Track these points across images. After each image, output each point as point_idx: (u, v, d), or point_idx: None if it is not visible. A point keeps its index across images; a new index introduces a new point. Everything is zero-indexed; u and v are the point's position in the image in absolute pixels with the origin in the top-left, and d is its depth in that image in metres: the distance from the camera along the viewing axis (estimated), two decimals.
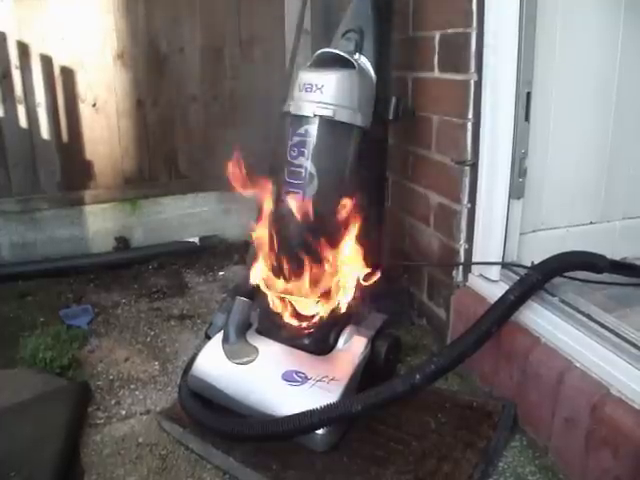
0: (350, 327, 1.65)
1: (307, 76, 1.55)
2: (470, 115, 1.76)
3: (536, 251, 1.76)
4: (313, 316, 1.61)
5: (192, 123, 2.83)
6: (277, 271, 1.59)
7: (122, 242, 2.78)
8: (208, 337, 1.80)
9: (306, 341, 1.62)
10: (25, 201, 2.61)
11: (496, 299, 1.56)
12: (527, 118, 1.70)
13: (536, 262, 1.64)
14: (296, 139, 1.54)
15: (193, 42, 2.73)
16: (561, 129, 1.81)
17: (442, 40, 1.85)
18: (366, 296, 1.65)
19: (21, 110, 2.52)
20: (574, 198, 1.93)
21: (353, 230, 1.55)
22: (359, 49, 1.62)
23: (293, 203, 1.53)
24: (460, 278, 1.92)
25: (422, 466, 1.40)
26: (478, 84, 1.73)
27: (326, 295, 1.58)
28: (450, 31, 1.80)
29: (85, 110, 2.63)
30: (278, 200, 1.59)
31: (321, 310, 1.59)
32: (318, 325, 1.61)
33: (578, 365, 1.40)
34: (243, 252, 2.65)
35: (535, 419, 1.52)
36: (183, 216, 2.89)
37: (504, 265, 1.77)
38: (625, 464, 1.22)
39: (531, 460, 1.48)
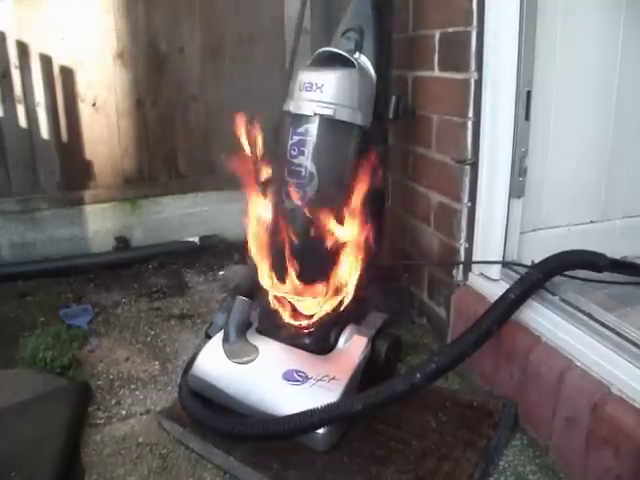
0: (350, 326, 1.65)
1: (307, 75, 1.55)
2: (470, 114, 1.76)
3: (536, 250, 1.76)
4: (313, 315, 1.61)
5: (192, 123, 2.83)
6: (277, 270, 1.59)
7: (122, 242, 2.78)
8: (208, 337, 1.80)
9: (306, 340, 1.61)
10: (25, 201, 2.61)
11: (496, 298, 1.56)
12: (527, 117, 1.70)
13: (536, 261, 1.65)
14: (296, 138, 1.54)
15: (193, 42, 2.73)
16: (561, 128, 1.81)
17: (442, 39, 1.85)
18: (366, 295, 1.65)
19: (21, 110, 2.52)
20: (574, 197, 1.93)
21: (354, 229, 1.56)
22: (359, 48, 1.62)
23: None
24: (460, 277, 1.92)
25: (422, 465, 1.40)
26: (478, 83, 1.72)
27: (327, 294, 1.58)
28: (450, 30, 1.80)
29: (85, 110, 2.63)
30: (278, 200, 1.59)
31: (321, 309, 1.59)
32: (318, 324, 1.61)
33: (579, 364, 1.40)
34: (243, 251, 2.64)
35: (536, 418, 1.52)
36: (183, 216, 2.89)
37: (504, 264, 1.77)
38: (626, 463, 1.22)
39: (532, 459, 1.47)
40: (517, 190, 1.75)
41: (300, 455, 1.43)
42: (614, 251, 1.85)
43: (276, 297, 1.62)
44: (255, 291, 1.70)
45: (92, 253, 2.73)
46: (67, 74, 2.56)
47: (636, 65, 1.84)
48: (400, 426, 1.54)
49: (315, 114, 1.49)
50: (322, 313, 1.59)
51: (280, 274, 1.59)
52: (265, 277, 1.62)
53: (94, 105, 2.64)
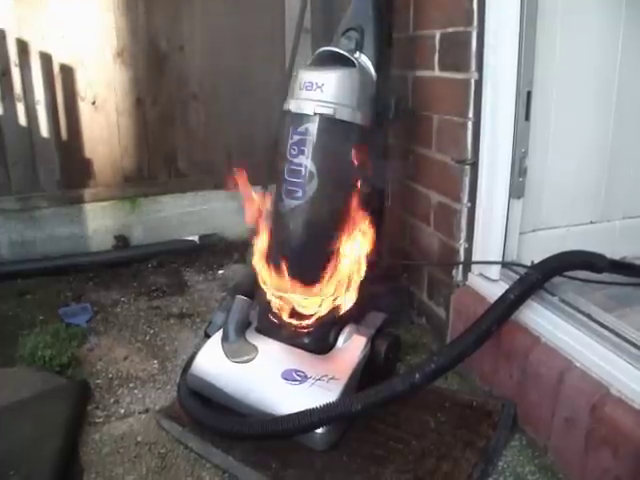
0: (350, 326, 1.65)
1: (307, 75, 1.55)
2: (470, 114, 1.76)
3: (536, 250, 1.76)
4: (313, 315, 1.61)
5: (192, 122, 2.83)
6: (277, 270, 1.59)
7: (121, 240, 2.78)
8: (207, 336, 1.79)
9: (306, 340, 1.61)
10: (24, 199, 2.61)
11: (496, 298, 1.56)
12: (527, 117, 1.70)
13: (536, 261, 1.64)
14: (296, 138, 1.53)
15: (193, 40, 2.73)
16: (561, 128, 1.81)
17: (443, 39, 1.85)
18: (366, 295, 1.65)
19: (20, 108, 2.51)
20: (574, 198, 1.93)
21: (354, 229, 1.56)
22: (359, 48, 1.62)
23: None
24: (460, 277, 1.92)
25: (421, 465, 1.40)
26: (479, 83, 1.72)
27: (327, 294, 1.58)
28: (451, 30, 1.80)
29: (85, 108, 2.63)
30: (278, 199, 1.59)
31: (321, 309, 1.59)
32: (318, 324, 1.61)
33: (578, 365, 1.40)
34: (243, 250, 2.65)
35: (535, 418, 1.52)
36: (183, 214, 2.89)
37: (504, 264, 1.77)
38: (625, 464, 1.22)
39: (530, 459, 1.48)
40: (517, 190, 1.75)
41: (299, 454, 1.43)
42: (614, 252, 1.85)
43: (275, 296, 1.62)
44: (254, 290, 1.70)
45: (92, 252, 2.73)
46: (67, 72, 2.56)
47: (636, 65, 1.84)
48: (399, 426, 1.54)
49: (315, 113, 1.49)
50: (322, 313, 1.59)
51: (279, 273, 1.59)
52: (264, 276, 1.62)
53: (94, 104, 2.64)
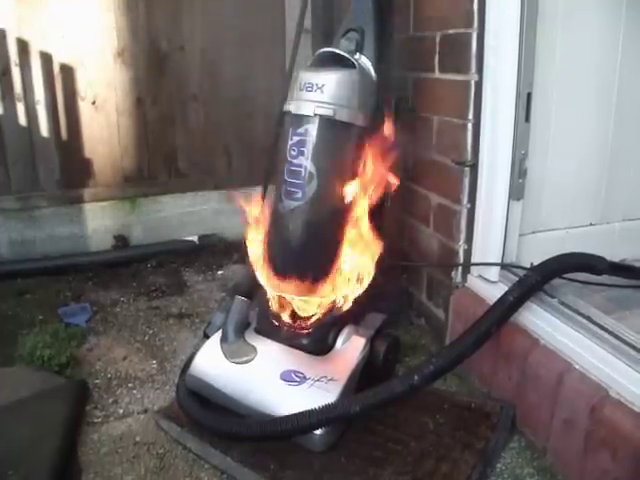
0: (349, 327, 1.65)
1: (307, 75, 1.55)
2: (470, 116, 1.76)
3: (535, 252, 1.76)
4: (312, 316, 1.61)
5: (192, 122, 2.83)
6: (277, 271, 1.59)
7: (121, 240, 2.78)
8: (207, 336, 1.79)
9: (305, 341, 1.61)
10: (24, 199, 2.60)
11: (495, 300, 1.56)
12: (527, 119, 1.70)
13: (535, 263, 1.64)
14: (296, 138, 1.53)
15: (193, 41, 2.73)
16: (561, 130, 1.81)
17: (443, 40, 1.85)
18: (365, 295, 1.65)
19: (20, 108, 2.51)
20: (574, 199, 1.92)
21: (355, 229, 1.56)
22: (360, 49, 1.62)
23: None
24: (459, 279, 1.92)
25: (420, 467, 1.40)
26: (479, 85, 1.72)
27: (327, 295, 1.58)
28: (451, 31, 1.80)
29: (85, 108, 2.63)
30: (277, 200, 1.59)
31: (320, 310, 1.59)
32: (317, 325, 1.61)
33: (577, 367, 1.40)
34: (242, 251, 2.64)
35: (534, 420, 1.52)
36: (182, 215, 2.88)
37: (503, 266, 1.77)
38: (624, 466, 1.22)
39: (529, 461, 1.47)
40: (517, 192, 1.75)
41: (297, 456, 1.43)
42: (613, 254, 1.85)
43: (275, 297, 1.62)
44: (254, 291, 1.70)
45: (91, 251, 2.73)
46: (67, 72, 2.56)
47: (637, 66, 1.84)
48: (398, 427, 1.54)
49: (315, 114, 1.49)
50: (321, 314, 1.59)
51: (279, 274, 1.59)
52: (264, 277, 1.62)
53: (94, 103, 2.64)
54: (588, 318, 1.48)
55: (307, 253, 1.57)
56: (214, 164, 2.90)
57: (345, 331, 1.63)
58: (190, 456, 1.50)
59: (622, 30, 1.79)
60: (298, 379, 1.49)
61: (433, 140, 1.96)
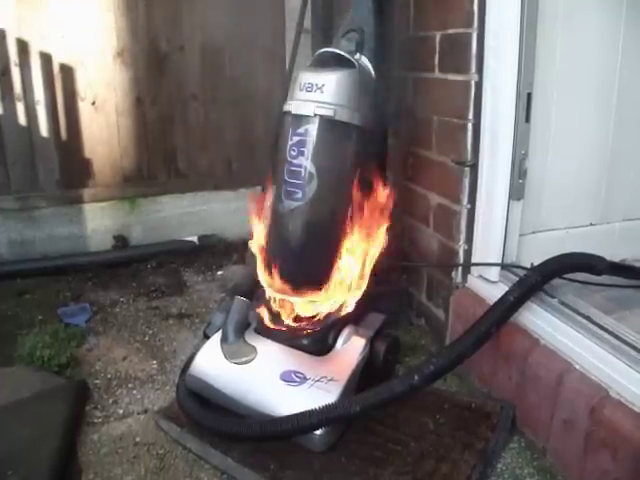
0: (349, 327, 1.65)
1: (307, 76, 1.55)
2: (470, 116, 1.76)
3: (536, 252, 1.76)
4: (312, 316, 1.61)
5: (191, 122, 2.83)
6: (277, 271, 1.59)
7: (121, 240, 2.78)
8: (206, 336, 1.79)
9: (305, 341, 1.61)
10: (24, 199, 2.60)
11: (495, 300, 1.56)
12: (527, 119, 1.69)
13: (536, 263, 1.64)
14: (296, 139, 1.53)
15: (193, 41, 2.73)
16: (562, 130, 1.81)
17: (443, 40, 1.85)
18: (365, 296, 1.65)
19: (20, 108, 2.51)
20: (574, 200, 1.92)
21: (355, 230, 1.56)
22: (360, 49, 1.62)
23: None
24: (459, 279, 1.92)
25: (420, 467, 1.40)
26: (479, 85, 1.72)
27: (327, 295, 1.58)
28: (451, 31, 1.80)
29: (84, 108, 2.63)
30: (277, 200, 1.59)
31: (320, 311, 1.59)
32: (317, 325, 1.61)
33: (577, 367, 1.40)
34: (242, 251, 2.64)
35: (534, 420, 1.52)
36: (182, 215, 2.88)
37: (503, 266, 1.77)
38: (624, 466, 1.22)
39: (529, 462, 1.47)
40: (517, 192, 1.75)
41: (297, 456, 1.43)
42: (613, 254, 1.85)
43: (275, 298, 1.62)
44: (254, 291, 1.70)
45: (91, 252, 2.73)
46: (67, 72, 2.56)
47: (637, 67, 1.84)
48: (398, 427, 1.54)
49: (315, 115, 1.49)
50: (321, 314, 1.59)
51: (278, 274, 1.59)
52: (264, 278, 1.62)
53: (94, 103, 2.64)
54: (588, 318, 1.48)
55: (307, 253, 1.57)
56: (214, 164, 2.90)
57: (345, 331, 1.63)
58: (190, 456, 1.49)
59: (622, 30, 1.79)
60: (298, 379, 1.49)
61: (433, 140, 1.96)
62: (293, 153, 1.53)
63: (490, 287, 1.77)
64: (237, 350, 1.59)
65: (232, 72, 2.82)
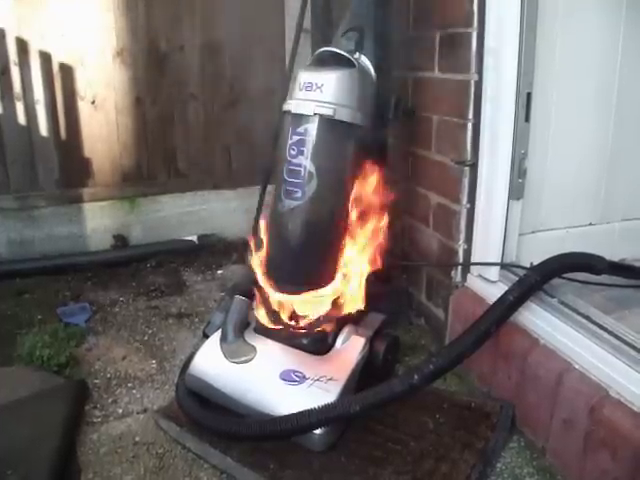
0: (348, 327, 1.65)
1: (307, 75, 1.54)
2: (470, 115, 1.76)
3: (535, 252, 1.76)
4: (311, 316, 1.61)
5: (191, 121, 2.83)
6: (275, 270, 1.59)
7: (120, 240, 2.78)
8: (206, 336, 1.79)
9: (304, 340, 1.61)
10: (23, 198, 2.60)
11: (495, 300, 1.55)
12: (527, 119, 1.69)
13: (535, 263, 1.64)
14: (295, 138, 1.53)
15: (193, 40, 2.72)
16: (561, 130, 1.81)
17: (443, 40, 1.85)
18: (365, 295, 1.65)
19: (19, 107, 2.51)
20: (574, 199, 1.92)
21: (355, 229, 1.56)
22: (359, 48, 1.62)
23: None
24: (459, 278, 1.92)
25: (420, 466, 1.40)
26: (478, 84, 1.72)
27: (326, 295, 1.58)
28: (451, 31, 1.80)
29: (84, 107, 2.63)
30: (277, 199, 1.58)
31: (320, 310, 1.59)
32: (316, 325, 1.61)
33: (577, 367, 1.40)
34: (242, 251, 2.64)
35: (533, 420, 1.52)
36: (182, 214, 2.88)
37: (503, 266, 1.77)
38: (624, 466, 1.22)
39: (529, 461, 1.47)
40: (516, 192, 1.74)
41: (297, 455, 1.43)
42: (613, 254, 1.85)
43: (274, 298, 1.62)
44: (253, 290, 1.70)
45: (90, 251, 2.73)
46: (66, 72, 2.56)
47: (637, 67, 1.84)
48: (397, 427, 1.54)
49: (315, 114, 1.49)
50: (320, 314, 1.59)
51: (278, 274, 1.59)
52: (263, 277, 1.62)
53: (93, 103, 2.64)
54: (588, 318, 1.48)
55: (307, 253, 1.56)
56: (213, 164, 2.90)
57: (345, 331, 1.63)
58: (189, 456, 1.49)
59: (622, 30, 1.79)
60: (298, 379, 1.49)
61: (433, 139, 1.96)
62: (293, 152, 1.53)
63: (490, 287, 1.77)
64: (236, 349, 1.59)
65: (232, 72, 2.82)
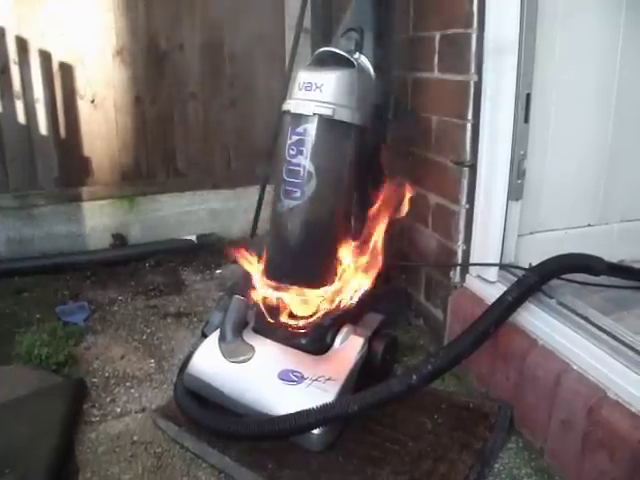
0: (347, 327, 1.65)
1: (307, 75, 1.55)
2: (469, 116, 1.76)
3: (534, 253, 1.75)
4: (310, 316, 1.61)
5: (191, 121, 2.83)
6: (274, 270, 1.59)
7: (119, 239, 2.78)
8: (204, 335, 1.79)
9: (303, 340, 1.61)
10: (22, 197, 2.60)
11: (493, 300, 1.56)
12: (526, 120, 1.69)
13: (534, 264, 1.64)
14: (295, 138, 1.53)
15: (192, 40, 2.72)
16: (560, 131, 1.81)
17: (442, 40, 1.85)
18: (364, 295, 1.65)
19: (19, 105, 2.51)
20: (572, 200, 1.92)
21: (355, 229, 1.56)
22: (359, 48, 1.62)
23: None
24: (458, 279, 1.92)
25: (418, 467, 1.40)
26: (478, 85, 1.72)
27: (325, 294, 1.58)
28: (450, 31, 1.80)
29: (83, 106, 2.63)
30: (276, 199, 1.58)
31: (319, 310, 1.59)
32: (315, 324, 1.61)
33: (575, 367, 1.40)
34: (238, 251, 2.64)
35: (531, 421, 1.52)
36: (181, 214, 2.88)
37: (502, 266, 1.77)
38: (621, 467, 1.22)
39: (527, 462, 1.47)
40: (515, 192, 1.74)
41: (295, 455, 1.43)
42: (611, 255, 1.85)
43: (273, 297, 1.62)
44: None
45: (89, 250, 2.73)
46: (66, 70, 2.55)
47: (636, 67, 1.84)
48: (396, 427, 1.54)
49: (314, 114, 1.49)
50: (319, 313, 1.59)
51: (278, 273, 1.59)
52: (262, 277, 1.62)
53: (93, 102, 2.64)
54: (586, 319, 1.48)
55: (306, 252, 1.57)
56: (213, 163, 2.90)
57: (343, 331, 1.63)
58: (188, 455, 1.49)
59: (622, 31, 1.79)
60: (296, 378, 1.49)
61: (432, 140, 1.96)
62: (292, 152, 1.53)
63: (488, 287, 1.77)
64: (235, 349, 1.59)
65: (232, 71, 2.82)
